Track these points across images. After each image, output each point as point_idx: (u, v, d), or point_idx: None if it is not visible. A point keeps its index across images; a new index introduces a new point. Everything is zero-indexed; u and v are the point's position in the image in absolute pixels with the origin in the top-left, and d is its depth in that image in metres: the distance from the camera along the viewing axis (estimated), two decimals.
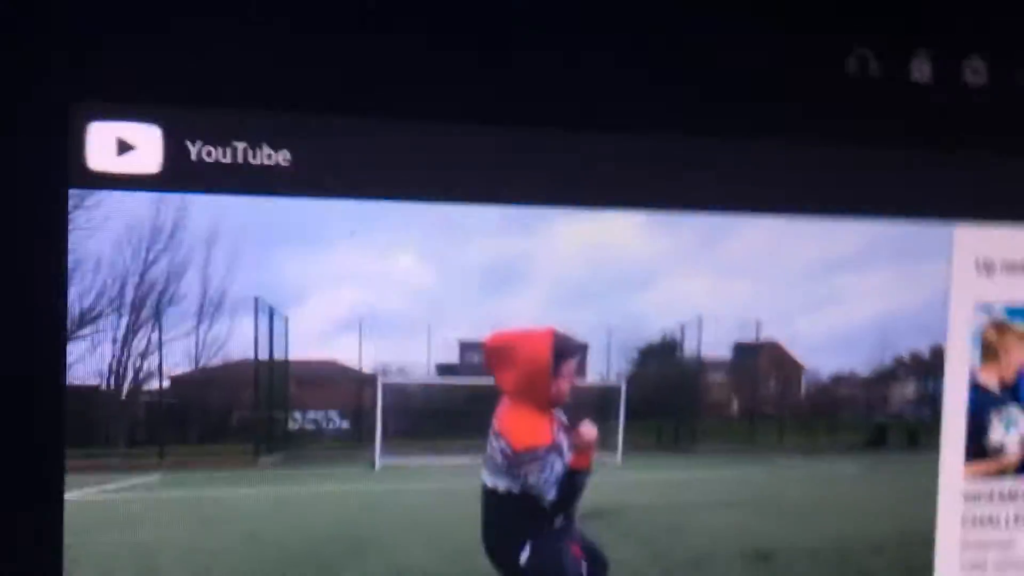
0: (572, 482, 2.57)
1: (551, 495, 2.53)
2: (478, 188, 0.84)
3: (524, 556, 2.56)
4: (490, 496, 2.66)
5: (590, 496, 2.91)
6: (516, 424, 2.63)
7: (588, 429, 2.62)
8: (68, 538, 0.61)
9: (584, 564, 2.71)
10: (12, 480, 0.73)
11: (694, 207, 0.88)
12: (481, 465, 2.70)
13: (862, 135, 0.92)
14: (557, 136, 0.85)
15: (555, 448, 2.62)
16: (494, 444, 2.63)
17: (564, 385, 2.70)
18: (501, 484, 2.62)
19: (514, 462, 2.55)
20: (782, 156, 0.92)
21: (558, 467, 2.57)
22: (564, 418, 2.79)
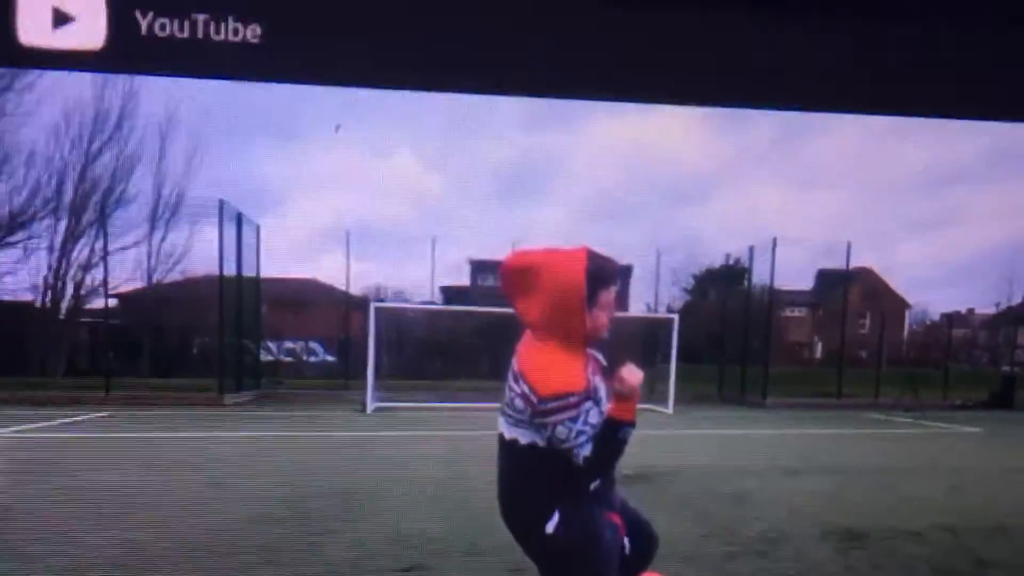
0: (611, 436, 2.46)
1: (585, 451, 2.43)
2: (494, 74, 0.81)
3: (551, 525, 2.49)
4: (509, 450, 2.61)
5: (634, 455, 2.98)
6: (542, 364, 2.56)
7: (631, 373, 2.59)
8: None
9: (626, 539, 2.77)
10: None
11: (767, 102, 0.85)
12: (498, 412, 2.76)
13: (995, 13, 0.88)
14: (594, 7, 0.83)
15: (590, 395, 2.49)
16: (514, 388, 2.52)
17: (602, 318, 2.68)
18: (523, 436, 2.54)
19: (539, 411, 2.44)
20: (885, 40, 0.89)
21: (594, 417, 2.46)
22: (601, 358, 2.81)
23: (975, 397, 22.29)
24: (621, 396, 2.47)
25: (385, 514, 5.98)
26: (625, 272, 28.56)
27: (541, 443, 2.48)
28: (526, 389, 2.43)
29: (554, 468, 2.49)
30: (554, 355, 2.47)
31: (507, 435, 2.57)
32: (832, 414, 18.53)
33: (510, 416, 2.54)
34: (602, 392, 2.56)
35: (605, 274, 2.52)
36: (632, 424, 2.48)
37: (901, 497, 7.43)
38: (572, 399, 2.39)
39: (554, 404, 2.38)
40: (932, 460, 10.78)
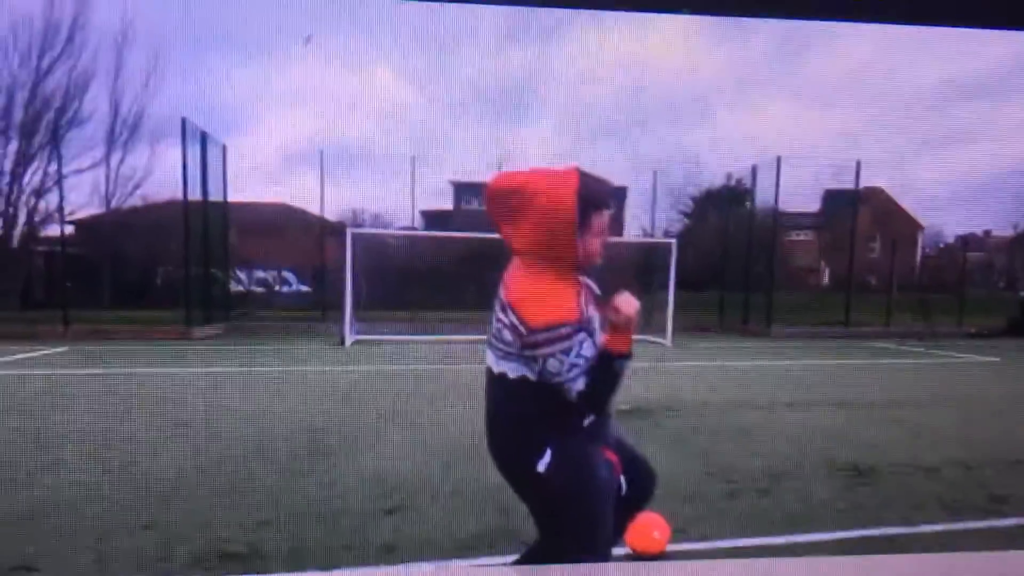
0: (606, 369, 2.42)
1: (579, 385, 2.39)
2: None
3: (543, 463, 2.46)
4: (498, 385, 2.56)
5: (631, 388, 2.99)
6: (532, 293, 2.56)
7: (627, 302, 2.57)
8: None
9: (622, 477, 2.79)
10: None
11: (769, 11, 0.81)
12: (485, 345, 2.75)
13: None
14: None
15: (584, 325, 2.45)
16: (502, 319, 2.48)
17: (595, 243, 2.64)
18: (512, 370, 2.49)
19: (529, 342, 2.39)
20: None
21: (588, 350, 2.42)
22: (595, 287, 2.80)
23: (991, 324, 22.59)
24: (616, 327, 2.45)
25: (366, 453, 6.03)
26: (619, 194, 28.45)
27: (532, 377, 2.47)
28: (515, 320, 2.41)
29: (546, 403, 2.48)
30: (544, 283, 2.44)
31: (495, 369, 2.56)
32: (840, 343, 18.81)
33: (498, 349, 2.53)
34: (596, 322, 2.54)
35: (598, 196, 2.48)
36: (628, 356, 2.47)
37: (912, 430, 7.51)
38: (564, 330, 2.38)
39: (545, 335, 2.37)
40: (946, 391, 10.84)
